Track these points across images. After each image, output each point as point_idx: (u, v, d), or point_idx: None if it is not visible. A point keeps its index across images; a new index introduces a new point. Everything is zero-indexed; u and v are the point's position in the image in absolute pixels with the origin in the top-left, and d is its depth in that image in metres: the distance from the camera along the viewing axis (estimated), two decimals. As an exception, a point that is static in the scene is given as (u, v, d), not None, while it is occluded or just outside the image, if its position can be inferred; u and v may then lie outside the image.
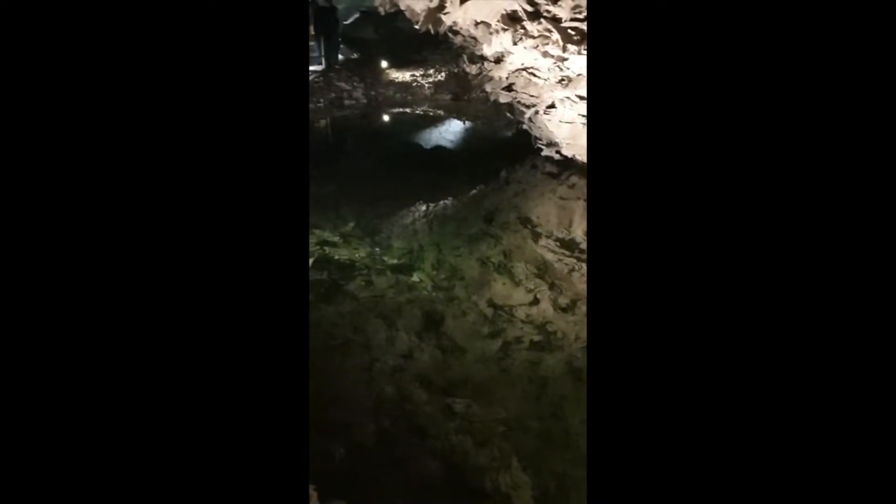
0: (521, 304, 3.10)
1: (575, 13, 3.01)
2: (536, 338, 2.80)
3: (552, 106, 4.34)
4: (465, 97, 8.41)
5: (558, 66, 3.73)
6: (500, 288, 3.28)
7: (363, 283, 3.24)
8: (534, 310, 3.05)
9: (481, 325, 2.93)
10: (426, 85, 8.97)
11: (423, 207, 4.42)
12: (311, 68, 8.88)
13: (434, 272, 3.42)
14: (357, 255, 3.58)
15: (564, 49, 3.30)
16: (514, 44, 3.60)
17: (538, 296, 3.16)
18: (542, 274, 3.39)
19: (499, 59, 4.16)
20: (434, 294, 3.17)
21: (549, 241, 3.81)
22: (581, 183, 4.59)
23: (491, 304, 3.10)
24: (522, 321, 2.95)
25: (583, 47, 3.17)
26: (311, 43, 8.66)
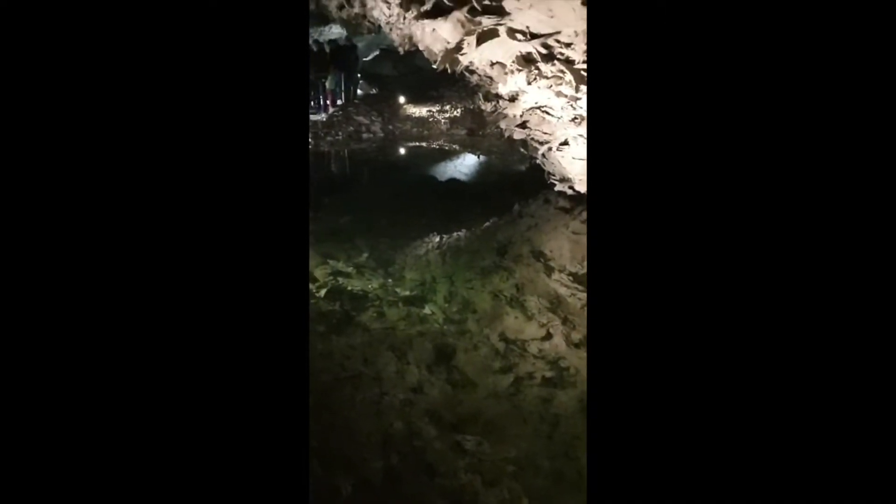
0: (533, 339, 3.08)
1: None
2: (549, 374, 2.76)
3: (565, 143, 4.41)
4: (480, 132, 8.59)
5: (571, 105, 3.81)
6: (512, 322, 3.26)
7: (375, 314, 3.25)
8: (546, 345, 3.02)
9: (493, 359, 2.90)
10: (442, 120, 9.20)
11: (437, 239, 4.46)
12: (338, 102, 9.18)
13: (446, 305, 3.42)
14: (370, 286, 3.61)
15: (577, 89, 3.38)
16: (529, 83, 3.70)
17: (551, 330, 3.14)
18: (554, 308, 3.37)
19: (513, 98, 4.26)
20: (446, 327, 3.17)
21: (562, 275, 3.80)
22: (594, 218, 4.60)
23: (503, 338, 3.08)
24: (535, 356, 2.92)
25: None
26: (331, 77, 8.97)
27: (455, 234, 4.60)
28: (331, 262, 3.92)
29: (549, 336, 3.09)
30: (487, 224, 4.87)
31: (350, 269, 3.83)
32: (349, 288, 3.56)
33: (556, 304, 3.43)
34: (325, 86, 8.90)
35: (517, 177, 6.56)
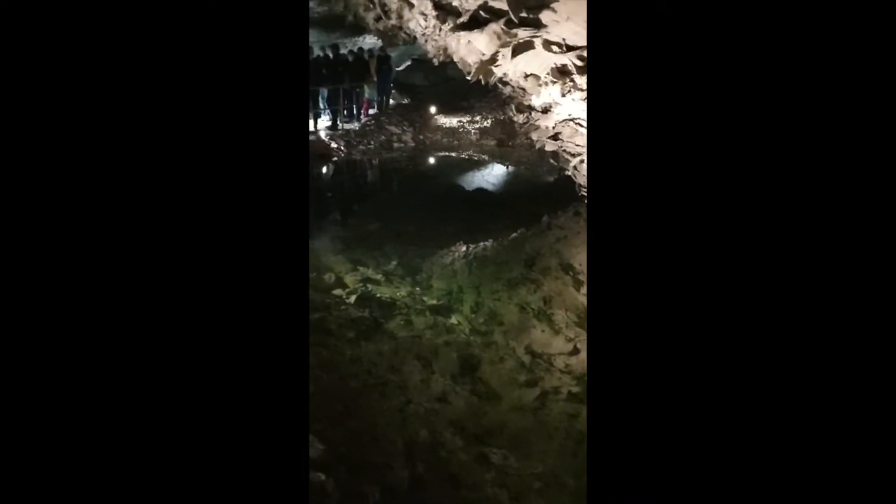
0: (560, 353, 3.04)
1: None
2: (575, 389, 2.72)
3: (598, 155, 4.36)
4: (510, 143, 8.59)
5: (605, 118, 3.78)
6: (539, 335, 3.23)
7: (402, 322, 3.27)
8: (573, 360, 2.98)
9: (518, 372, 2.88)
10: (472, 130, 9.24)
11: (464, 249, 4.46)
12: (370, 112, 9.38)
13: (472, 315, 3.42)
14: (398, 294, 3.64)
15: (612, 102, 3.35)
16: (563, 95, 3.69)
17: (578, 345, 3.09)
18: (583, 323, 3.32)
19: (546, 110, 4.26)
20: (472, 338, 3.16)
21: (591, 289, 3.75)
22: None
23: (529, 351, 3.05)
24: (561, 371, 2.88)
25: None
26: (366, 86, 9.16)
27: (482, 244, 4.60)
28: (361, 268, 3.98)
29: (576, 351, 3.05)
30: (515, 235, 4.85)
31: (379, 277, 3.87)
32: (378, 295, 3.59)
33: (584, 318, 3.38)
34: (359, 95, 9.08)
35: (546, 188, 6.52)
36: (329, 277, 3.79)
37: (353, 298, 3.52)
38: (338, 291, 3.62)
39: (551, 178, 6.70)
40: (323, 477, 1.87)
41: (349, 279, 3.82)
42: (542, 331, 3.26)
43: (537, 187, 6.71)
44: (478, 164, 7.95)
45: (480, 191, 6.80)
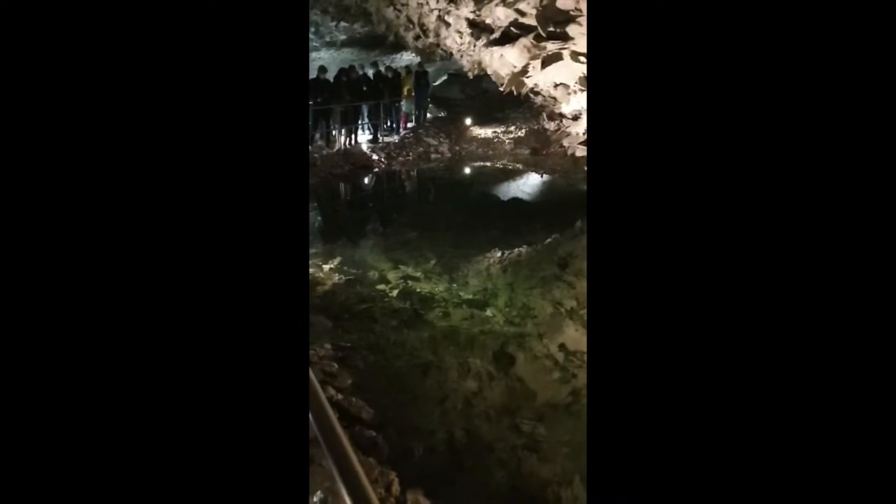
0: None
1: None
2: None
3: (628, 159, 4.50)
4: (544, 152, 8.78)
5: (634, 123, 3.94)
6: (572, 334, 3.34)
7: (441, 313, 3.52)
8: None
9: (552, 368, 3.00)
10: (507, 140, 9.49)
11: (499, 254, 4.66)
12: (409, 125, 9.78)
13: (506, 309, 3.62)
14: (436, 290, 3.89)
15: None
16: (591, 102, 3.89)
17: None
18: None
19: (576, 117, 4.46)
20: (506, 328, 3.36)
21: (622, 287, 3.85)
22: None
23: (563, 348, 3.17)
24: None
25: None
26: (405, 101, 9.57)
27: (517, 249, 4.77)
28: (402, 266, 4.27)
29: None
30: (549, 240, 5.01)
31: (419, 274, 4.15)
32: (418, 290, 3.86)
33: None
34: (398, 110, 9.51)
35: (580, 195, 6.65)
36: (373, 274, 4.10)
37: (395, 292, 3.80)
38: (381, 287, 3.91)
39: (585, 186, 6.83)
40: (374, 433, 2.13)
41: (391, 276, 4.11)
42: (576, 330, 3.39)
43: (571, 194, 6.84)
44: (512, 173, 8.16)
45: (515, 199, 6.99)
